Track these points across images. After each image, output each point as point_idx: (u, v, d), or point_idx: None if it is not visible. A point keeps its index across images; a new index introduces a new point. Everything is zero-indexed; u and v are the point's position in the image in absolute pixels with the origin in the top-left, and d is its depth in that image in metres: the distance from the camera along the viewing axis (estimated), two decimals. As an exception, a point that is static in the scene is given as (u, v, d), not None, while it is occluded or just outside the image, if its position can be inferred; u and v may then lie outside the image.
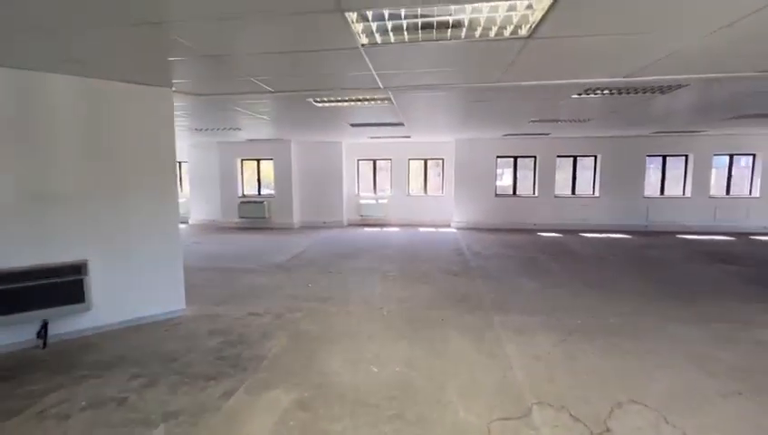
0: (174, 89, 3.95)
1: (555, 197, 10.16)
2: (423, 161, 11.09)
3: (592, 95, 4.56)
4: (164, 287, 3.90)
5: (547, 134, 9.11)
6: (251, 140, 10.21)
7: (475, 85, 3.85)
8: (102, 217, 3.56)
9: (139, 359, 3.08)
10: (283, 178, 10.59)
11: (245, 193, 11.06)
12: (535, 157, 10.26)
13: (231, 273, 5.79)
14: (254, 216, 10.56)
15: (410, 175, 11.20)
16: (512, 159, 10.45)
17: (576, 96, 4.60)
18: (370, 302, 4.45)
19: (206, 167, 11.31)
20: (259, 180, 11.07)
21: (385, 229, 10.23)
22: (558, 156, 10.10)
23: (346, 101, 4.96)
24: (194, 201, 11.61)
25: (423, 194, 11.18)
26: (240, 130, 7.92)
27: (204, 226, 11.19)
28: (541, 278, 5.39)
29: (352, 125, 7.30)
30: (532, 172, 10.41)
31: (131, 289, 3.72)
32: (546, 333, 3.56)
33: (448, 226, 10.67)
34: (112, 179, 3.60)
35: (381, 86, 3.90)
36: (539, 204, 10.19)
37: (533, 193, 10.39)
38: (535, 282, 5.22)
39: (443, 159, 10.96)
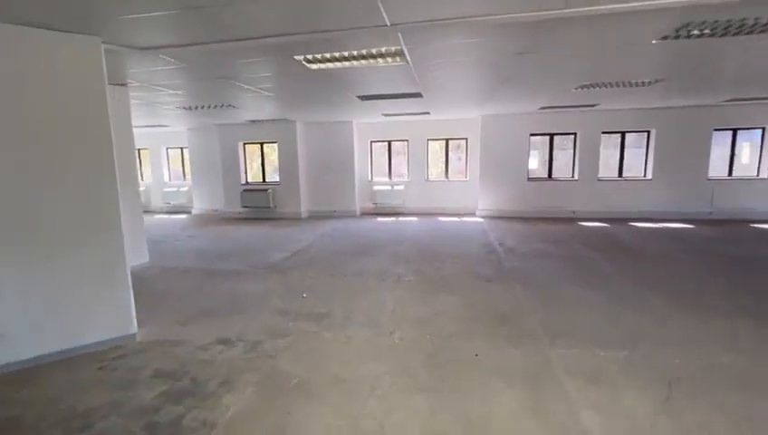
0: (105, 40, 2.90)
1: (599, 180, 8.75)
2: (444, 142, 9.82)
3: (684, 39, 3.25)
4: (105, 307, 2.96)
5: (593, 106, 7.68)
6: (252, 122, 9.20)
7: (530, 15, 2.62)
8: (10, 214, 2.60)
9: (35, 424, 2.14)
10: (288, 163, 9.58)
11: (249, 180, 10.13)
12: (575, 134, 8.83)
13: (215, 276, 4.85)
14: (257, 205, 9.63)
15: (429, 158, 9.97)
16: (547, 138, 9.05)
17: (659, 40, 3.29)
18: (378, 322, 3.39)
19: (207, 152, 10.43)
20: (263, 166, 10.10)
21: (401, 219, 9.11)
22: (603, 132, 8.64)
23: (346, 59, 3.81)
24: (195, 189, 10.79)
25: (444, 179, 9.95)
26: (235, 107, 6.88)
27: (206, 216, 10.38)
28: (599, 287, 4.18)
29: (361, 98, 6.13)
30: (572, 152, 8.99)
31: (58, 311, 2.78)
32: (635, 383, 2.41)
33: (473, 214, 9.45)
34: (20, 160, 2.62)
35: (387, 21, 2.72)
36: (579, 188, 8.81)
37: (572, 176, 9.00)
38: (593, 292, 4.02)
39: (466, 139, 9.66)
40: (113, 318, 2.98)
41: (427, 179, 9.92)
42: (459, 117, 9.17)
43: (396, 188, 9.84)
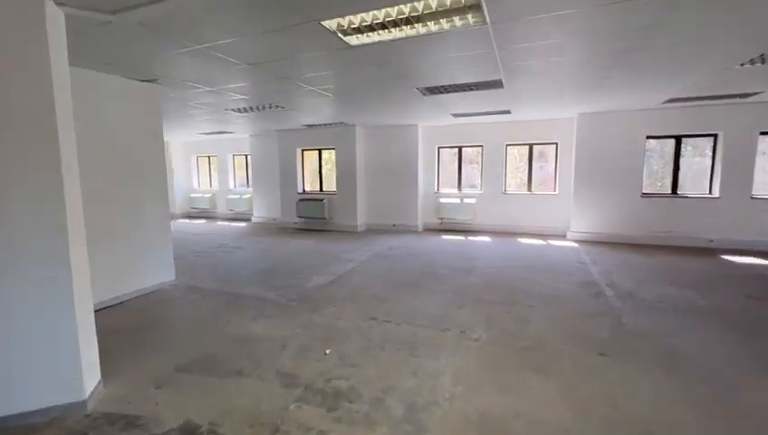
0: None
1: (752, 198, 6.36)
2: (527, 147, 8.16)
3: None
4: (41, 365, 2.16)
5: (751, 95, 5.50)
6: (310, 126, 8.57)
7: None
8: None
9: None
10: (345, 170, 8.75)
11: (306, 189, 9.53)
12: (715, 136, 6.58)
13: (236, 305, 4.01)
14: (312, 216, 8.95)
15: (508, 166, 8.37)
16: (670, 141, 6.92)
17: None
18: (423, 424, 2.13)
19: (267, 159, 10.12)
20: (320, 174, 9.42)
21: (471, 238, 7.66)
22: (762, 132, 6.28)
23: (394, 24, 2.68)
24: (256, 197, 10.54)
25: (526, 192, 8.26)
26: (283, 108, 6.20)
27: (263, 225, 10.02)
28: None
29: (425, 91, 4.96)
30: (710, 159, 6.72)
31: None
32: None
33: (563, 236, 7.62)
34: None
35: None
36: (721, 208, 6.50)
37: (710, 192, 6.72)
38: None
39: (556, 145, 7.89)
40: (53, 380, 2.18)
41: (505, 192, 8.32)
42: (547, 116, 7.48)
43: (466, 201, 8.42)
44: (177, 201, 11.77)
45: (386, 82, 4.54)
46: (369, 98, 5.48)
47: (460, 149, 8.69)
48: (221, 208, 11.54)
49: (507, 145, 8.24)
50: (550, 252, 6.38)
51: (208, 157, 11.86)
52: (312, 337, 3.22)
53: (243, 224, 10.30)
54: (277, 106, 5.98)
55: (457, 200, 8.48)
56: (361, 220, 8.90)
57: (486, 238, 7.64)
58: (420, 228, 8.71)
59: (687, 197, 6.77)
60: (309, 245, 7.26)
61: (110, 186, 3.97)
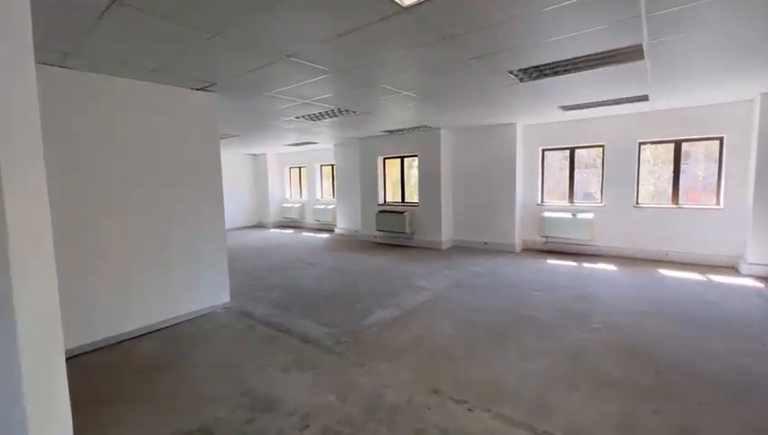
0: None
1: None
2: (672, 145, 6.06)
3: None
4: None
5: None
6: (390, 132, 7.86)
7: None
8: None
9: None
10: (429, 179, 7.78)
11: (388, 200, 8.83)
12: None
13: (277, 342, 3.37)
14: (392, 229, 8.17)
15: (640, 171, 6.36)
16: None
17: None
18: None
19: (350, 169, 9.75)
20: (402, 184, 8.62)
21: (587, 265, 5.92)
22: None
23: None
24: (339, 208, 10.27)
25: (670, 205, 6.13)
26: (355, 113, 5.56)
27: (344, 237, 9.64)
28: None
29: (521, 75, 3.74)
30: None
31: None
32: None
33: (733, 269, 5.36)
34: None
35: None
36: None
37: None
38: None
39: (721, 140, 5.66)
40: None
41: (637, 204, 6.32)
42: (705, 101, 5.36)
43: (580, 216, 6.65)
44: (272, 211, 12.28)
45: (466, 67, 3.47)
46: (448, 90, 4.44)
47: (572, 150, 6.96)
48: (309, 218, 11.63)
49: (641, 143, 6.25)
50: (716, 294, 4.38)
51: (299, 168, 12.13)
52: (346, 415, 2.33)
53: (326, 235, 10.10)
54: (347, 111, 5.36)
55: (568, 215, 6.76)
56: (447, 236, 7.79)
57: (610, 267, 5.81)
58: (518, 248, 7.20)
59: None
60: (383, 263, 6.46)
61: (166, 199, 3.74)
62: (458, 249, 7.56)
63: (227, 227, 7.04)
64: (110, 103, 3.39)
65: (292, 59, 3.15)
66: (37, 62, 2.25)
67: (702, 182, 6.07)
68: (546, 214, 6.99)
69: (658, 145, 6.25)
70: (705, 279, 5.02)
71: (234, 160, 11.96)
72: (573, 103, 5.30)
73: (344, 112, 5.48)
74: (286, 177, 12.50)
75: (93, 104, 3.29)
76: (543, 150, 7.27)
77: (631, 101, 5.21)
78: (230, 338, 3.54)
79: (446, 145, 7.68)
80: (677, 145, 6.01)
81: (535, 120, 6.80)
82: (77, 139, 3.20)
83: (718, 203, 5.75)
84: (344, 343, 3.33)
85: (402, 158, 8.42)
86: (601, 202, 6.64)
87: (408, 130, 7.55)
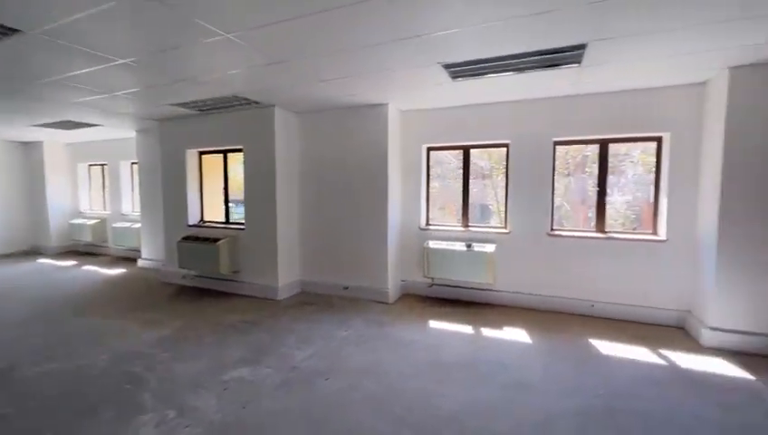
0: None
1: None
2: (596, 147, 4.19)
3: None
4: None
5: None
6: (201, 111, 4.79)
7: None
8: None
9: None
10: (258, 189, 4.89)
11: (205, 218, 5.67)
12: None
13: None
14: (201, 267, 5.04)
15: (555, 183, 4.41)
16: None
17: None
18: None
19: (157, 168, 6.32)
20: (227, 192, 5.55)
21: (488, 334, 3.63)
22: None
23: None
24: (144, 228, 6.72)
25: (594, 233, 4.23)
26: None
27: (142, 277, 6.13)
28: None
29: None
30: None
31: None
32: None
33: (683, 331, 3.55)
34: None
35: None
36: None
37: None
38: None
39: (658, 141, 3.93)
40: None
41: (552, 232, 4.33)
42: (648, 81, 3.53)
43: (477, 248, 4.42)
44: (53, 230, 8.05)
45: None
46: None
47: (467, 151, 4.77)
48: (113, 241, 7.75)
49: (556, 142, 4.29)
50: (681, 395, 2.34)
51: (102, 166, 8.17)
52: None
53: (122, 271, 6.47)
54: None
55: (461, 247, 4.51)
56: (289, 277, 4.98)
57: (519, 335, 3.61)
58: (392, 296, 4.73)
59: None
60: (139, 350, 3.32)
61: None
62: (306, 296, 4.80)
63: None
64: None
65: None
66: None
67: (636, 200, 4.33)
68: (432, 244, 4.65)
69: (579, 145, 4.38)
70: (656, 358, 3.06)
71: (-22, 149, 7.51)
72: (461, 60, 2.98)
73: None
74: (83, 178, 8.39)
75: None
76: (429, 149, 4.98)
77: (557, 64, 3.07)
78: None
79: (287, 134, 4.90)
80: (603, 146, 4.16)
81: (416, 101, 4.43)
82: None
83: (656, 232, 4.00)
84: None
85: (225, 152, 5.39)
86: (506, 229, 4.53)
87: (227, 107, 4.60)
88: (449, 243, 4.60)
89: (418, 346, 3.34)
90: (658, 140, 3.93)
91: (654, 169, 4.01)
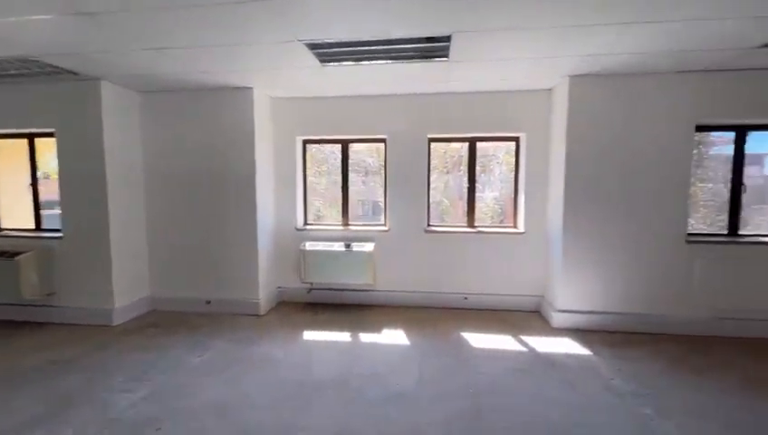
0: None
1: None
2: (466, 145, 4.35)
3: None
4: None
5: None
6: (-26, 75, 3.45)
7: None
8: None
9: None
10: (79, 183, 3.80)
11: (1, 226, 4.24)
12: (796, 128, 3.56)
13: None
14: (-2, 291, 3.72)
15: (431, 178, 4.46)
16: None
17: None
18: None
19: None
20: (36, 189, 4.23)
21: (367, 340, 3.41)
22: None
23: None
24: None
25: (465, 228, 4.39)
26: None
27: None
28: None
29: None
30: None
31: None
32: None
33: (538, 314, 3.90)
34: None
35: None
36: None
37: (790, 231, 3.66)
38: None
39: (516, 140, 4.25)
40: None
41: (428, 228, 4.35)
42: (510, 83, 3.75)
43: (356, 248, 4.19)
44: None
45: None
46: None
47: (345, 145, 4.50)
48: None
49: (431, 139, 4.32)
50: (539, 381, 2.48)
51: None
52: None
53: None
54: None
55: (339, 247, 4.22)
56: (131, 295, 4.00)
57: (398, 336, 3.48)
58: (264, 307, 4.17)
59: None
60: None
61: None
62: (150, 322, 3.91)
63: None
64: None
65: None
66: None
67: (502, 196, 4.62)
68: (308, 246, 4.26)
69: (452, 143, 4.49)
70: (517, 344, 3.25)
71: None
72: (326, 40, 2.65)
73: None
74: None
75: None
76: (306, 142, 4.56)
77: (428, 56, 2.97)
78: None
79: (123, 117, 3.90)
80: (472, 144, 4.34)
81: (287, 88, 3.96)
82: None
83: (516, 226, 4.34)
84: None
85: (31, 137, 4.07)
86: (386, 226, 4.40)
87: (26, 75, 3.40)
88: (328, 244, 4.27)
89: (286, 365, 2.92)
90: (517, 140, 4.25)
91: (514, 168, 4.33)
